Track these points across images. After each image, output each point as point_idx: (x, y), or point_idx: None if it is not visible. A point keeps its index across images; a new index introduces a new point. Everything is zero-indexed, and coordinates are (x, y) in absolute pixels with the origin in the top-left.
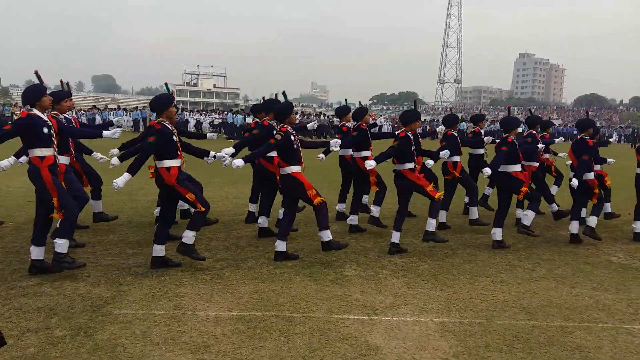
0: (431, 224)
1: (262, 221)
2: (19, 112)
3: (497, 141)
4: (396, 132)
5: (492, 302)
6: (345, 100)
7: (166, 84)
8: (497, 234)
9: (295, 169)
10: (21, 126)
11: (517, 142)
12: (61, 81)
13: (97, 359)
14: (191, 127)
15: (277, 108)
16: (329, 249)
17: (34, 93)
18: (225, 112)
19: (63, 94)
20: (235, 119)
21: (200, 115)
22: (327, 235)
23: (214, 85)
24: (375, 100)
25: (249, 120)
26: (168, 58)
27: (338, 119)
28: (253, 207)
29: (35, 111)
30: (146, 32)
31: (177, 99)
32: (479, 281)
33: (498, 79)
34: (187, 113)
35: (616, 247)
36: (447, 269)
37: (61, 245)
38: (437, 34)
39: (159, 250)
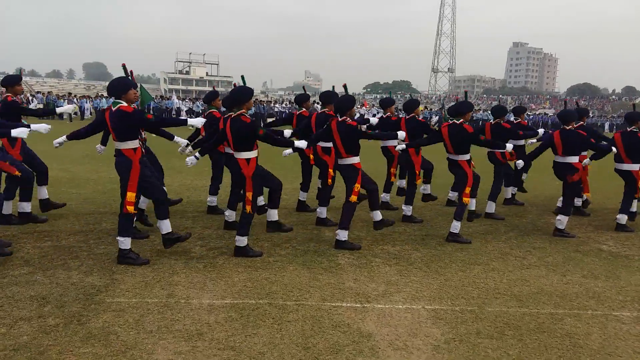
0: (455, 226)
1: (321, 211)
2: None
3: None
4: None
5: (484, 290)
6: (390, 92)
7: (242, 77)
8: (563, 221)
9: (355, 160)
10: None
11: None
12: (123, 66)
13: (91, 347)
14: (183, 115)
15: (338, 101)
16: (341, 247)
17: (122, 86)
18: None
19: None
20: None
21: (193, 103)
22: (344, 235)
23: (207, 73)
24: (369, 89)
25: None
26: (160, 47)
27: (406, 113)
28: (304, 196)
29: (124, 104)
30: (139, 20)
31: (169, 86)
32: (471, 269)
33: (491, 68)
34: (179, 101)
35: (607, 236)
36: (439, 257)
37: (123, 242)
38: (432, 23)
39: (243, 240)
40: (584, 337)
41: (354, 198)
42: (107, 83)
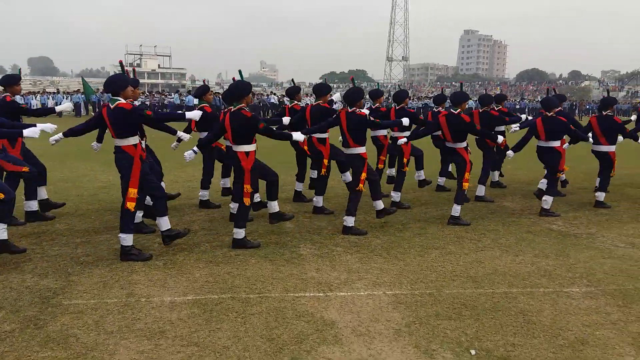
0: (456, 210)
1: (317, 200)
2: None
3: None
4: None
5: (441, 273)
6: (399, 85)
7: (240, 71)
8: (548, 201)
9: (362, 149)
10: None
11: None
12: (120, 62)
13: (49, 350)
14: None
15: (347, 93)
16: (348, 233)
17: (119, 82)
18: (166, 93)
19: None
20: (189, 100)
21: (146, 97)
22: (351, 222)
23: (159, 65)
24: (325, 79)
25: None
26: (109, 38)
27: (396, 103)
28: (300, 187)
29: (121, 100)
30: (86, 11)
31: None
32: (429, 253)
33: (444, 56)
34: None
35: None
36: (399, 243)
37: (125, 239)
38: (386, 11)
39: (240, 233)
40: (536, 313)
41: (360, 187)
42: (53, 78)
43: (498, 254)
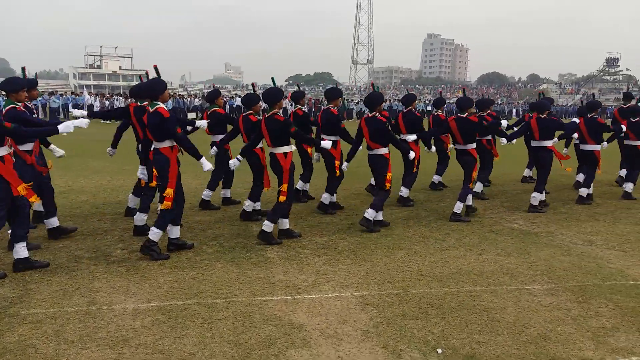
0: (459, 207)
1: (326, 197)
2: None
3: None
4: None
5: (408, 273)
6: (374, 85)
7: (272, 78)
8: (536, 197)
9: (385, 150)
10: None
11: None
12: (155, 67)
13: None
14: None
15: (371, 97)
16: (366, 226)
17: (158, 87)
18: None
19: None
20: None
21: (106, 100)
22: (371, 215)
23: (120, 67)
24: (291, 82)
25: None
26: (67, 40)
27: (404, 106)
28: (306, 186)
29: (162, 105)
30: (43, 11)
31: (79, 82)
32: (395, 254)
33: (408, 59)
34: (90, 97)
35: (517, 215)
36: (365, 244)
37: (156, 234)
38: (351, 14)
39: (285, 223)
40: (500, 311)
41: (387, 185)
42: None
43: (462, 253)
